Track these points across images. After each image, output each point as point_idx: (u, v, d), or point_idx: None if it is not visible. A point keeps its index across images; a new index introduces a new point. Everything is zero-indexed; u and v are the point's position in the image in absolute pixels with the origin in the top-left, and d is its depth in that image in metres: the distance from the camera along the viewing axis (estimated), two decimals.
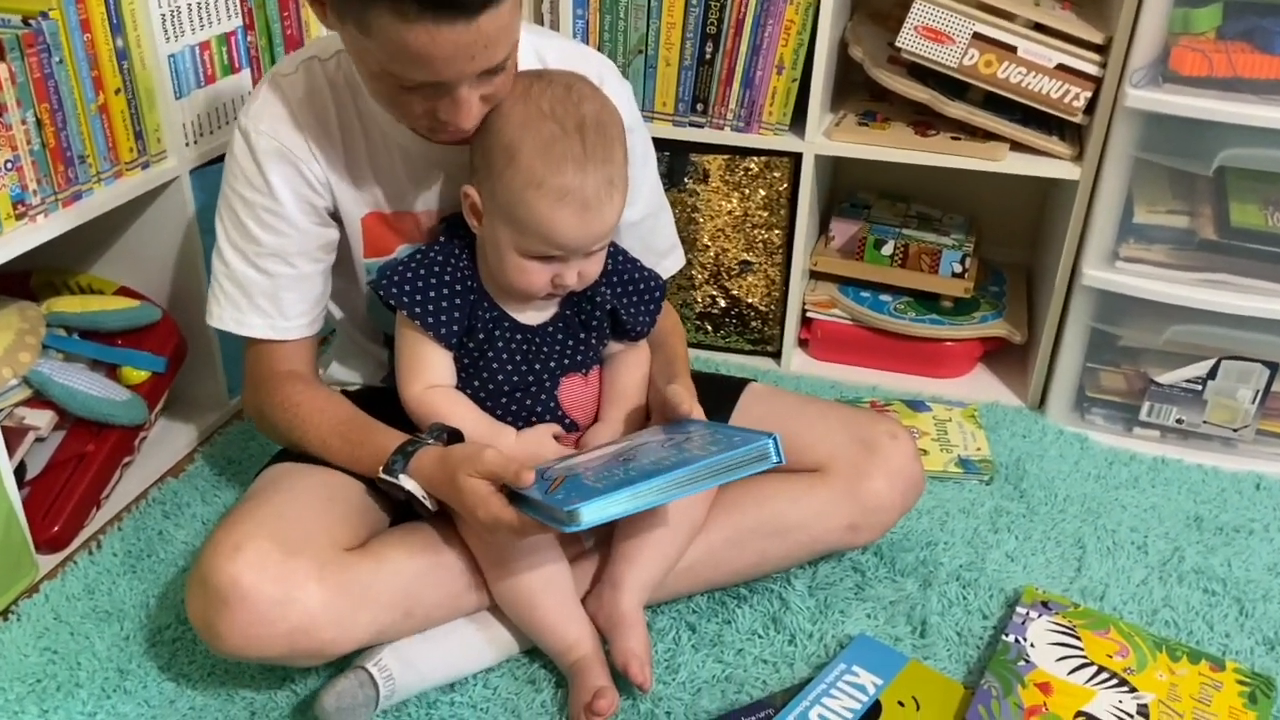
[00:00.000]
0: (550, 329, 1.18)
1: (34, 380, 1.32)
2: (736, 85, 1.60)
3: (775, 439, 1.01)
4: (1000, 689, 1.12)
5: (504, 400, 1.17)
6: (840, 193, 1.89)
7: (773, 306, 1.75)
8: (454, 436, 1.10)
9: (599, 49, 1.62)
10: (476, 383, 1.16)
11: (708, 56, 1.59)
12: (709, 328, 1.79)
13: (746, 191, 1.67)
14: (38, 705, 1.11)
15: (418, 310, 1.11)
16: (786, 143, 1.62)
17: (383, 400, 1.21)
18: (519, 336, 1.16)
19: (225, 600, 0.96)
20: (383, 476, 1.07)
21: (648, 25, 1.60)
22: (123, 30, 1.31)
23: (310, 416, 1.14)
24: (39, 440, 1.34)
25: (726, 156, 1.66)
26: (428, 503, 1.07)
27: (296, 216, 1.12)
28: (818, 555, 1.28)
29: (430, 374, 1.14)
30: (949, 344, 1.73)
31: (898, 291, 1.77)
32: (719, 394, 1.29)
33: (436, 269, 1.13)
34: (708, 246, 1.72)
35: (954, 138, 1.59)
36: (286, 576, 0.98)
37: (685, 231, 1.70)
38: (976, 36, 1.49)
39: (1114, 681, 1.14)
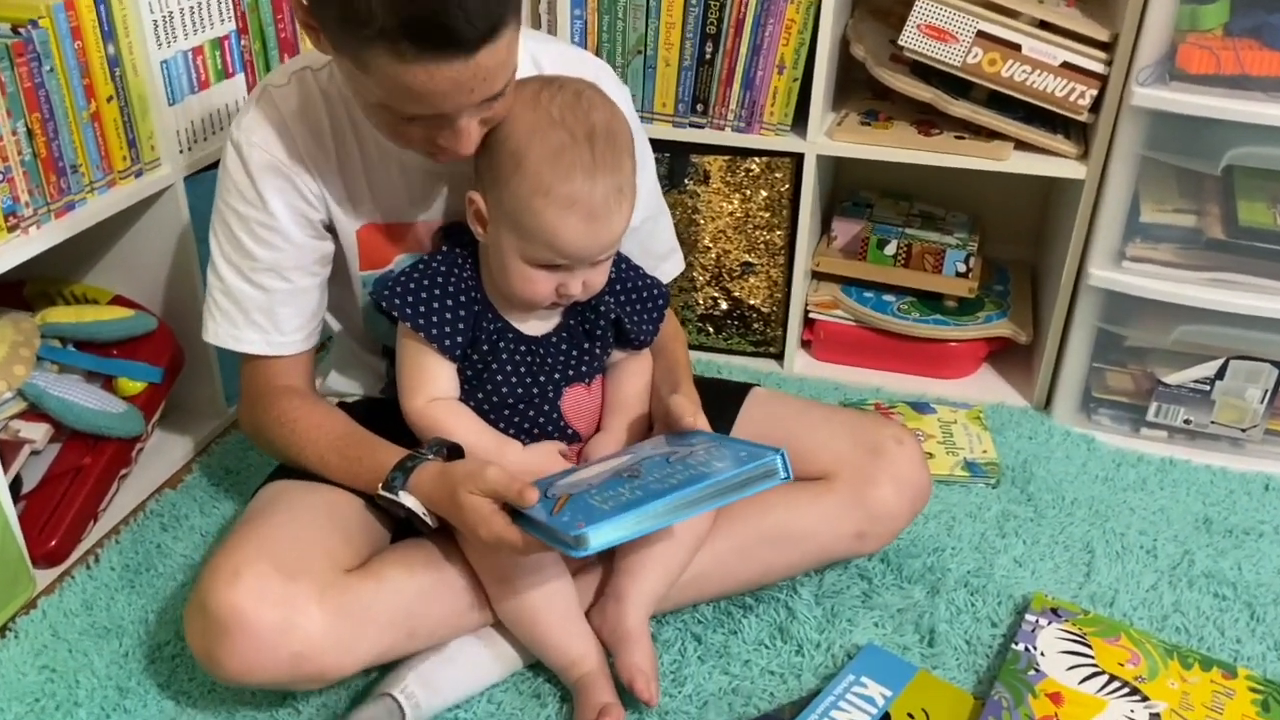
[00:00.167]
0: (554, 339, 1.16)
1: (29, 393, 1.30)
2: (737, 85, 1.58)
3: (782, 454, 0.99)
4: (1011, 699, 1.11)
5: (507, 412, 1.15)
6: (842, 191, 1.87)
7: (775, 308, 1.74)
8: (454, 451, 1.09)
9: (597, 49, 1.61)
10: (480, 395, 1.14)
11: (708, 56, 1.57)
12: (711, 330, 1.78)
13: (748, 192, 1.65)
14: None
15: (421, 322, 1.10)
16: (788, 143, 1.60)
17: (382, 412, 1.19)
18: (523, 348, 1.14)
19: (225, 628, 0.95)
20: (382, 493, 1.05)
21: (646, 25, 1.58)
22: (114, 37, 1.29)
23: (307, 433, 1.12)
24: (34, 453, 1.33)
25: (727, 157, 1.64)
26: (428, 519, 1.05)
27: (292, 231, 1.10)
28: (824, 564, 1.26)
29: (433, 386, 1.12)
30: (953, 344, 1.71)
31: (901, 291, 1.75)
32: (722, 400, 1.27)
33: (440, 279, 1.11)
34: (709, 248, 1.70)
35: (958, 137, 1.57)
36: (287, 601, 0.96)
37: (686, 233, 1.68)
38: (980, 35, 1.47)
39: (1125, 691, 1.13)
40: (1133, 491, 1.47)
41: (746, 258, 1.70)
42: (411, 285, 1.11)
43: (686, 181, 1.66)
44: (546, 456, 1.13)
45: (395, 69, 0.89)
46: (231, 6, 1.46)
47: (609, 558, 1.15)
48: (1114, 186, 1.46)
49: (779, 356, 1.78)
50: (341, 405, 1.27)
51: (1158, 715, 1.10)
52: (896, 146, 1.57)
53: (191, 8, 1.39)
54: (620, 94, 1.15)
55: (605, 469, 1.05)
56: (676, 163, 1.66)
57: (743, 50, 1.55)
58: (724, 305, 1.75)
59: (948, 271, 1.70)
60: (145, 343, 1.42)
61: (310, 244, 1.13)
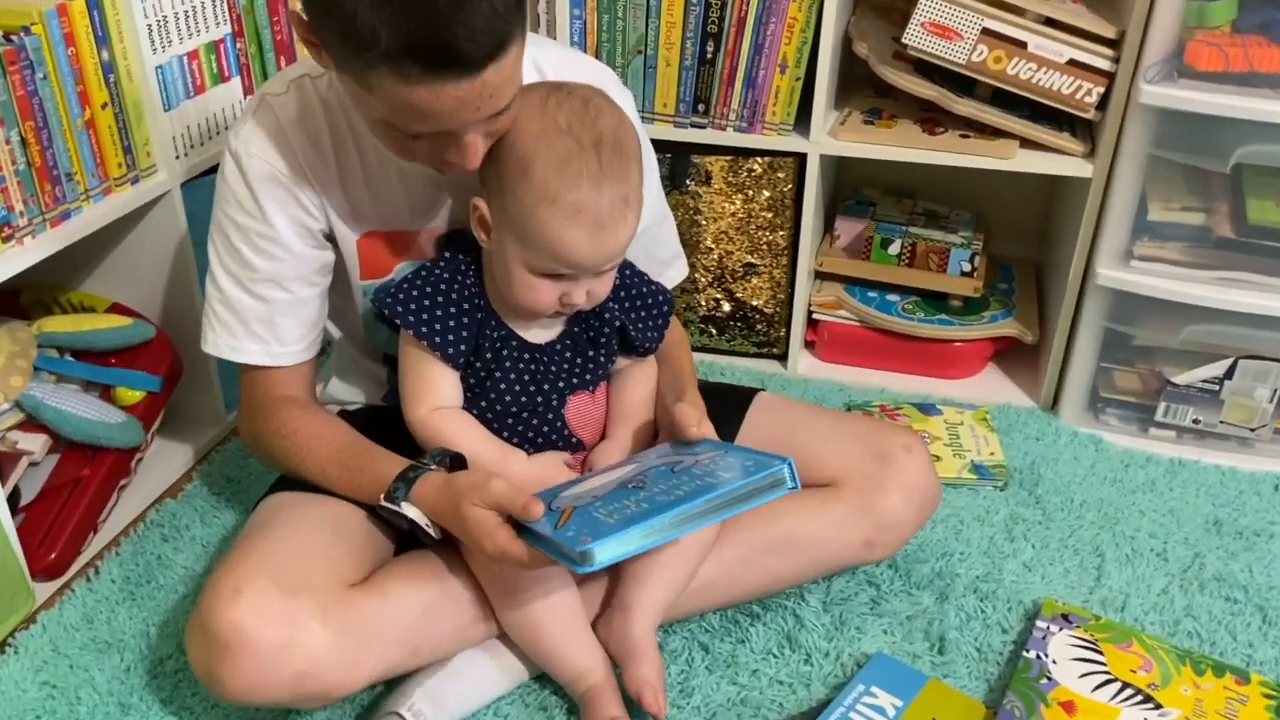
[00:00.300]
0: (558, 347, 1.14)
1: (26, 404, 1.29)
2: (739, 85, 1.56)
3: (790, 464, 0.98)
4: (1023, 709, 1.09)
5: (510, 421, 1.14)
6: (844, 189, 1.85)
7: (778, 309, 1.72)
8: (456, 461, 1.07)
9: (597, 49, 1.59)
10: (484, 403, 1.13)
11: (709, 56, 1.55)
12: (713, 331, 1.76)
13: (750, 193, 1.64)
14: None
15: (424, 329, 1.08)
16: (791, 143, 1.59)
17: (384, 421, 1.18)
18: (526, 355, 1.13)
19: (227, 647, 0.93)
20: (384, 505, 1.04)
21: (647, 25, 1.56)
22: (108, 42, 1.27)
23: (308, 443, 1.10)
24: (33, 465, 1.31)
25: (729, 158, 1.62)
26: (431, 531, 1.04)
27: (292, 241, 1.09)
28: (832, 572, 1.25)
29: (437, 395, 1.11)
30: (958, 344, 1.70)
31: (905, 291, 1.74)
32: (727, 405, 1.26)
33: (443, 286, 1.10)
34: (711, 249, 1.69)
35: (963, 135, 1.55)
36: (289, 619, 0.95)
37: (688, 234, 1.66)
38: (985, 32, 1.46)
39: (1139, 698, 1.12)
40: (1142, 493, 1.46)
41: (749, 259, 1.68)
42: (414, 293, 1.09)
43: (688, 182, 1.65)
44: (551, 467, 1.12)
45: (400, 89, 0.88)
46: (227, 9, 1.44)
47: (615, 567, 1.14)
48: (1121, 185, 1.44)
49: (782, 358, 1.76)
50: (343, 414, 1.26)
51: None
52: (901, 146, 1.55)
53: (186, 12, 1.37)
54: (624, 99, 1.13)
55: (610, 479, 1.04)
56: (678, 163, 1.64)
57: (744, 49, 1.54)
58: (726, 307, 1.73)
59: (952, 271, 1.69)
60: (143, 351, 1.41)
61: (311, 254, 1.11)
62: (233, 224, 1.08)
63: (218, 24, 1.43)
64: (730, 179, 1.63)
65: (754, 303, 1.72)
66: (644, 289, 1.19)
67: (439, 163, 1.00)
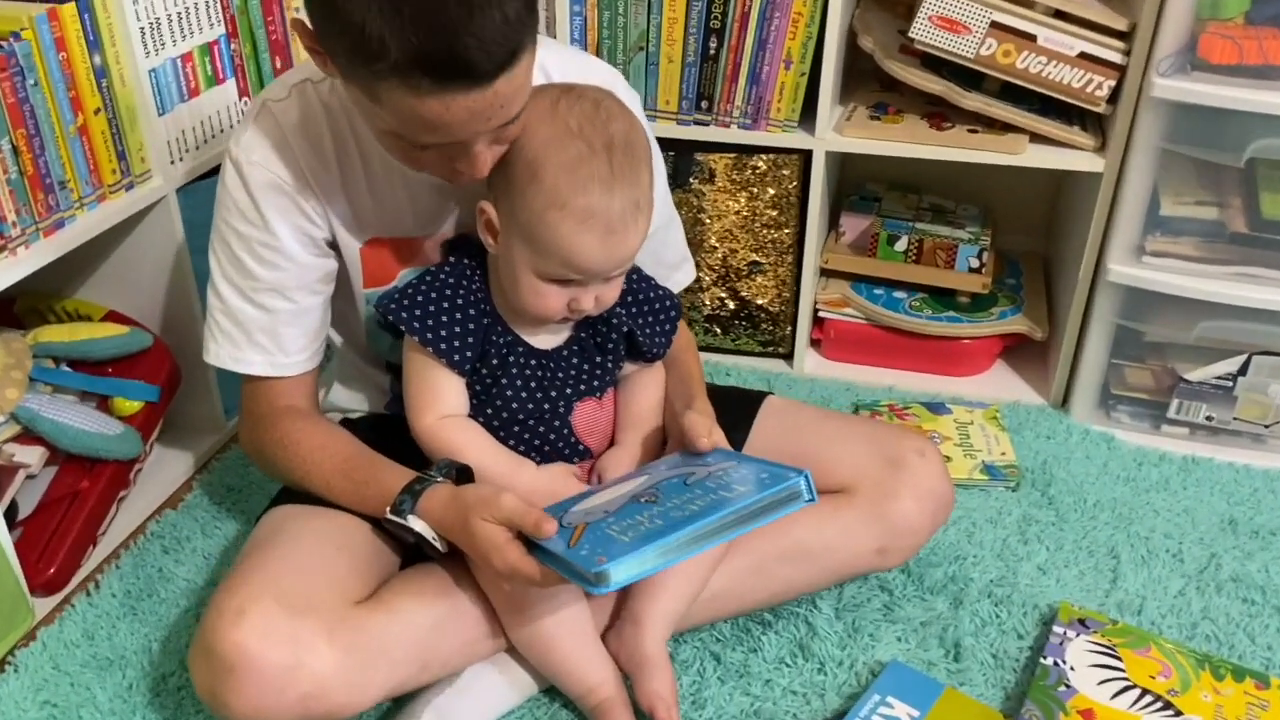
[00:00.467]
0: (565, 353, 1.12)
1: (22, 416, 1.26)
2: (742, 81, 1.53)
3: (806, 476, 0.96)
4: (1042, 717, 1.08)
5: (517, 429, 1.12)
6: (848, 184, 1.83)
7: (783, 307, 1.70)
8: (463, 473, 1.05)
9: (598, 46, 1.56)
10: (489, 410, 1.11)
11: (712, 52, 1.53)
12: (718, 330, 1.74)
13: (755, 190, 1.61)
14: None
15: (429, 336, 1.06)
16: (796, 140, 1.56)
17: (388, 429, 1.16)
18: (533, 362, 1.10)
19: (231, 669, 0.91)
20: (390, 518, 1.02)
21: (648, 21, 1.53)
22: (100, 46, 1.24)
23: (311, 455, 1.08)
24: (30, 478, 1.29)
25: (733, 155, 1.60)
26: (438, 544, 1.02)
27: (294, 250, 1.06)
28: (845, 579, 1.23)
29: (443, 403, 1.09)
30: (967, 342, 1.67)
31: (912, 288, 1.71)
32: (735, 409, 1.24)
33: (448, 291, 1.07)
34: (715, 248, 1.66)
35: (971, 130, 1.52)
36: (295, 640, 0.92)
37: (692, 233, 1.64)
38: (994, 25, 1.43)
39: (1158, 705, 1.10)
40: (1156, 492, 1.44)
41: (754, 257, 1.66)
42: (419, 298, 1.07)
43: (691, 180, 1.62)
44: (561, 477, 1.10)
45: (409, 101, 0.86)
46: (220, 10, 1.41)
47: None
48: (1133, 180, 1.42)
49: (788, 356, 1.74)
50: (345, 422, 1.24)
51: None
52: (909, 142, 1.53)
53: (179, 13, 1.34)
54: (632, 101, 1.11)
55: (621, 492, 1.01)
56: (681, 161, 1.61)
57: (748, 45, 1.51)
58: (731, 305, 1.71)
59: (960, 267, 1.66)
60: (141, 360, 1.39)
61: (314, 262, 1.09)
62: (234, 232, 1.06)
63: (211, 25, 1.40)
64: (734, 177, 1.61)
65: (759, 301, 1.69)
66: (651, 294, 1.17)
67: (447, 172, 0.98)
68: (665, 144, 1.56)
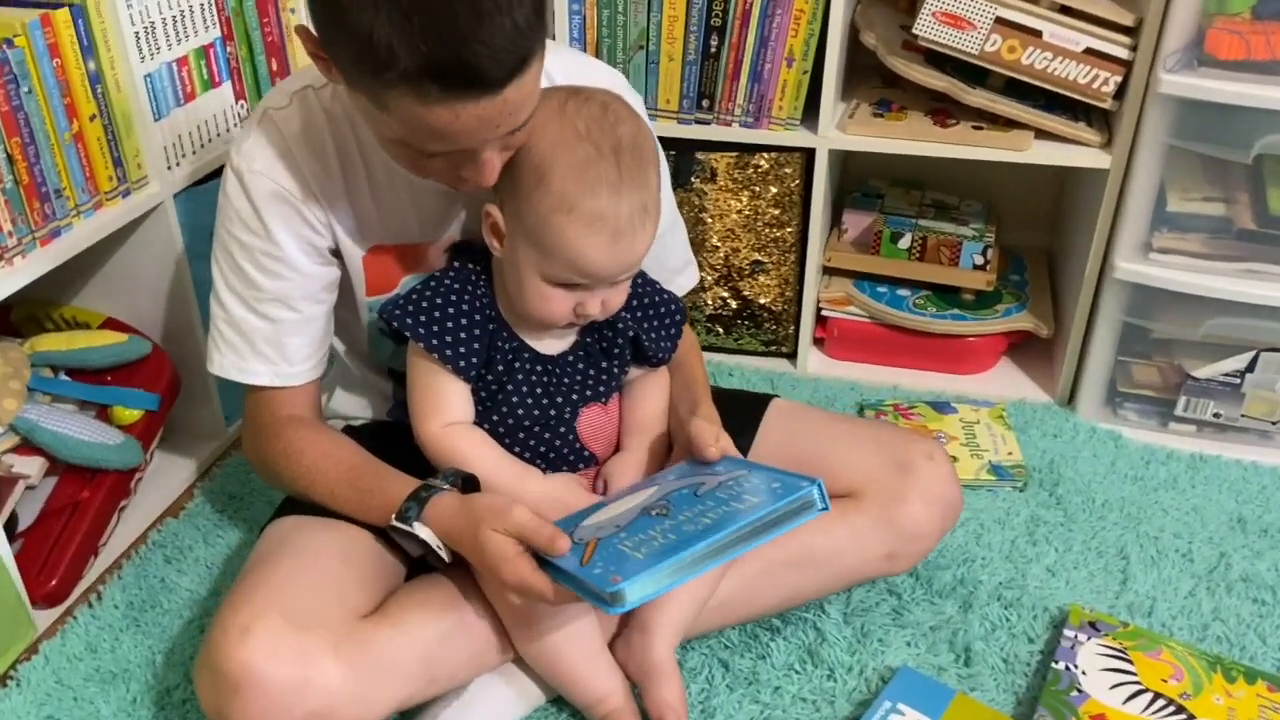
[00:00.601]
0: (570, 358, 1.11)
1: (21, 428, 1.25)
2: (744, 79, 1.52)
3: (820, 485, 0.95)
4: None
5: (522, 435, 1.10)
6: (850, 181, 1.81)
7: (786, 306, 1.69)
8: (469, 482, 1.04)
9: (597, 45, 1.54)
10: (495, 417, 1.09)
11: (713, 50, 1.51)
12: (720, 330, 1.73)
13: (757, 189, 1.60)
14: None
15: (434, 342, 1.04)
16: (798, 138, 1.54)
17: (391, 437, 1.15)
18: (539, 367, 1.09)
19: (237, 688, 0.90)
20: (395, 525, 1.00)
21: (648, 19, 1.51)
22: (94, 52, 1.22)
23: (315, 464, 1.07)
24: (30, 489, 1.28)
25: (734, 154, 1.58)
26: (443, 553, 1.00)
27: (298, 259, 1.05)
28: (853, 584, 1.22)
29: (449, 410, 1.07)
30: (971, 339, 1.66)
31: (915, 285, 1.70)
32: (741, 413, 1.22)
33: (453, 297, 1.06)
34: (717, 247, 1.65)
35: (976, 127, 1.51)
36: (301, 656, 0.91)
37: (694, 233, 1.62)
38: (999, 21, 1.42)
39: (1171, 709, 1.09)
40: (1164, 490, 1.43)
41: (756, 256, 1.65)
42: (424, 304, 1.05)
43: (693, 180, 1.61)
44: (568, 486, 1.08)
45: (418, 109, 0.85)
46: (215, 12, 1.39)
47: None
48: (1140, 176, 1.41)
49: (791, 356, 1.73)
50: (348, 430, 1.23)
51: None
52: (913, 139, 1.51)
53: (174, 17, 1.32)
54: (636, 104, 1.10)
55: (631, 505, 1.00)
56: (682, 161, 1.60)
57: (749, 43, 1.49)
58: (734, 305, 1.70)
59: (964, 264, 1.65)
60: (140, 368, 1.37)
61: (317, 271, 1.08)
62: (237, 242, 1.05)
63: (206, 28, 1.38)
64: (736, 175, 1.59)
65: (761, 301, 1.68)
66: (656, 297, 1.16)
67: (453, 180, 0.96)
68: (666, 143, 1.54)
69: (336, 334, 1.20)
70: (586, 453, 1.14)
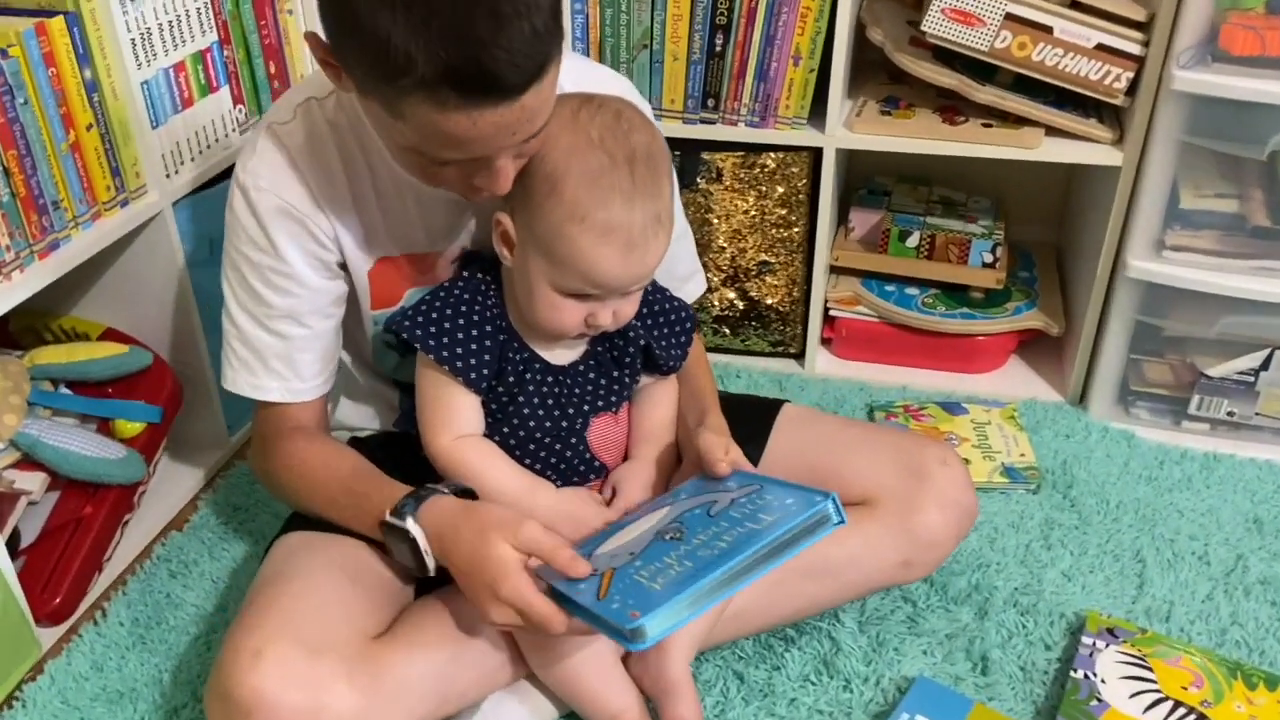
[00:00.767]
0: (581, 368, 1.09)
1: (22, 443, 1.23)
2: (750, 78, 1.50)
3: (834, 499, 0.93)
4: None
5: (533, 447, 1.09)
6: (856, 178, 1.79)
7: (793, 307, 1.67)
8: (468, 495, 1.02)
9: (600, 45, 1.52)
10: (506, 429, 1.08)
11: (718, 49, 1.49)
12: (727, 331, 1.71)
13: (764, 189, 1.58)
14: None
15: (445, 354, 1.02)
16: (805, 137, 1.52)
17: (398, 448, 1.13)
18: (550, 378, 1.07)
19: (249, 714, 0.88)
20: (389, 520, 0.97)
21: (652, 18, 1.49)
22: (90, 60, 1.20)
23: (315, 472, 1.06)
24: (31, 504, 1.26)
25: (740, 154, 1.56)
26: (429, 559, 0.97)
27: (307, 275, 1.04)
28: (868, 593, 1.21)
29: (460, 423, 1.06)
30: (981, 338, 1.65)
31: (924, 284, 1.68)
32: (751, 420, 1.21)
33: (463, 308, 1.04)
34: (724, 248, 1.63)
35: (985, 124, 1.49)
36: (313, 682, 0.90)
37: (700, 234, 1.61)
38: (1009, 17, 1.39)
39: (1192, 718, 1.08)
40: (1179, 491, 1.42)
41: (763, 257, 1.63)
42: (434, 315, 1.03)
43: (698, 180, 1.59)
44: (580, 501, 1.07)
45: (434, 116, 0.83)
46: (212, 16, 1.37)
47: None
48: (1153, 173, 1.39)
49: (798, 356, 1.71)
50: (355, 442, 1.21)
51: None
52: (922, 138, 1.50)
53: (170, 22, 1.30)
54: (645, 111, 1.07)
55: (644, 529, 0.98)
56: (687, 161, 1.58)
57: (755, 41, 1.47)
58: (740, 306, 1.68)
59: (973, 262, 1.63)
60: (141, 380, 1.35)
61: (325, 286, 1.06)
62: (245, 260, 1.03)
63: (203, 32, 1.36)
64: (742, 175, 1.57)
65: (768, 301, 1.66)
66: (666, 305, 1.14)
67: (466, 189, 0.94)
68: (671, 143, 1.50)
69: (343, 346, 1.19)
70: (597, 463, 1.12)
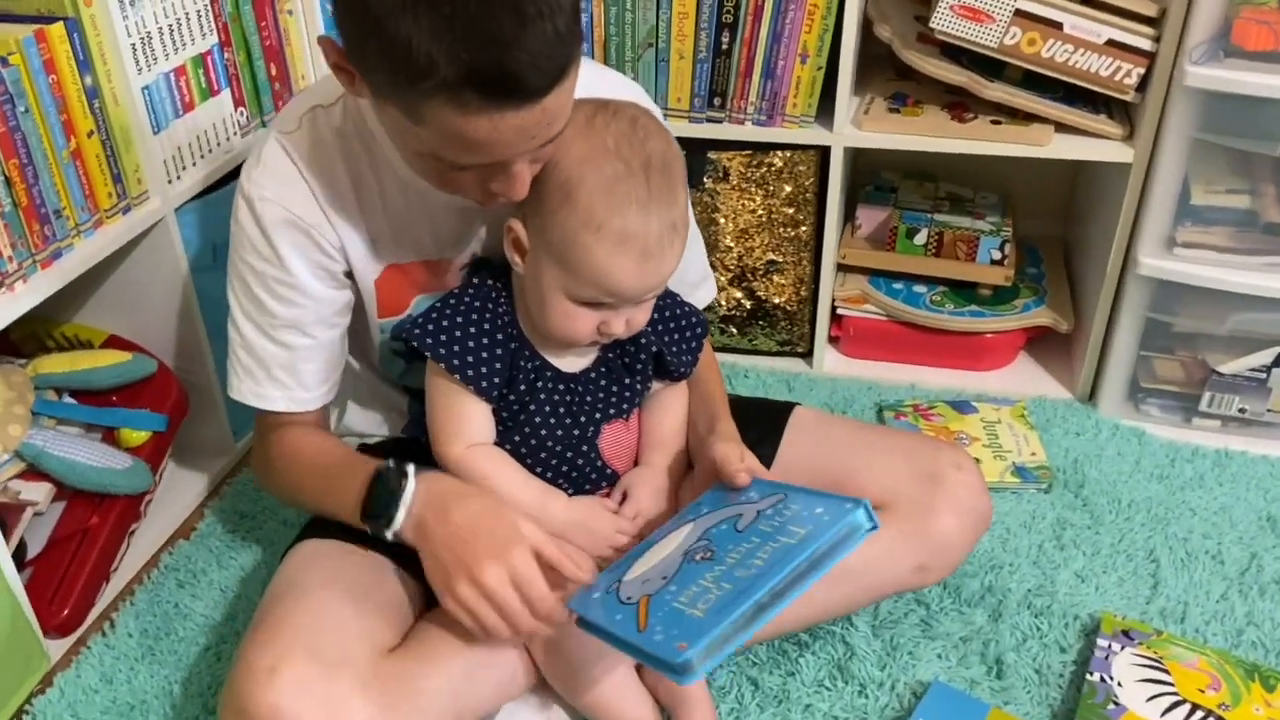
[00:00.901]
0: (593, 375, 1.08)
1: (27, 454, 1.22)
2: (756, 77, 1.48)
3: (866, 506, 0.91)
4: None
5: (544, 455, 1.08)
6: (861, 173, 1.78)
7: (800, 306, 1.66)
8: None
9: (605, 43, 1.51)
10: (517, 437, 1.07)
11: (724, 47, 1.47)
12: (734, 330, 1.70)
13: (771, 188, 1.57)
14: None
15: (455, 362, 1.01)
16: (813, 135, 1.51)
17: (408, 455, 1.11)
18: (561, 386, 1.06)
19: None
20: (391, 465, 0.97)
21: (657, 16, 1.47)
22: (91, 66, 1.18)
23: (313, 459, 1.06)
24: (37, 515, 1.25)
25: (747, 153, 1.55)
26: (401, 509, 0.94)
27: (312, 286, 1.03)
28: (882, 598, 1.20)
29: (471, 432, 1.05)
30: (990, 336, 1.64)
31: (932, 281, 1.67)
32: (762, 422, 1.20)
33: (474, 315, 1.03)
34: (731, 248, 1.62)
35: (994, 121, 1.48)
36: (329, 698, 0.89)
37: (707, 234, 1.59)
38: (1019, 14, 1.38)
39: None
40: (1191, 490, 1.41)
41: (771, 256, 1.62)
42: (444, 323, 1.02)
43: (705, 180, 1.57)
44: (593, 511, 1.06)
45: (455, 120, 0.81)
46: (212, 18, 1.35)
47: None
48: (1164, 170, 1.38)
49: (806, 355, 1.70)
50: (362, 448, 1.21)
51: None
52: (931, 135, 1.48)
53: (171, 25, 1.28)
54: (656, 115, 1.06)
55: (671, 549, 0.96)
56: (694, 161, 1.56)
57: (762, 39, 1.46)
58: (748, 305, 1.67)
59: (982, 259, 1.62)
60: (146, 387, 1.34)
61: (331, 296, 1.05)
62: (250, 269, 1.02)
63: (204, 35, 1.34)
64: (749, 175, 1.56)
65: (776, 300, 1.65)
66: (678, 310, 1.13)
67: (482, 195, 0.93)
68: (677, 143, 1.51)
69: (351, 352, 1.18)
70: (609, 470, 1.11)
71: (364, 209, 1.03)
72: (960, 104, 1.52)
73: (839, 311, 1.67)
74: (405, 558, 1.06)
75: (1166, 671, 1.12)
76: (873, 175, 1.77)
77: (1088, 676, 1.11)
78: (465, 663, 0.99)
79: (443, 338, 1.02)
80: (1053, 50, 1.40)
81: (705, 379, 1.18)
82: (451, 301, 1.04)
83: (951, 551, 1.14)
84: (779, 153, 1.54)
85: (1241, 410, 1.48)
